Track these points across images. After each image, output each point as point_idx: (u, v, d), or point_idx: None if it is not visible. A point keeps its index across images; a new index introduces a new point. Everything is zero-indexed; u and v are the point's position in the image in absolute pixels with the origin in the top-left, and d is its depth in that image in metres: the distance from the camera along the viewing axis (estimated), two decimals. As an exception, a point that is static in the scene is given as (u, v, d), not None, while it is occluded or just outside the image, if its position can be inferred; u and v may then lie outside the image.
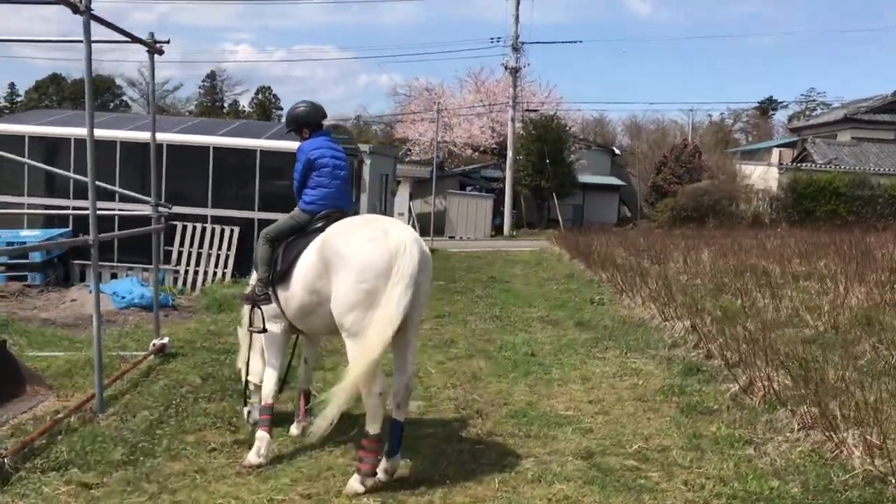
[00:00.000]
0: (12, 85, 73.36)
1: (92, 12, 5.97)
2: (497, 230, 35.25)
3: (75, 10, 5.88)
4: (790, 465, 5.02)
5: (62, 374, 7.27)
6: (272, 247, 5.50)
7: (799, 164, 34.99)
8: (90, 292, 11.57)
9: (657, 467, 5.16)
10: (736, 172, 35.40)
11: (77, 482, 4.81)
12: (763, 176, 34.47)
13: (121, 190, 8.90)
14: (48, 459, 5.12)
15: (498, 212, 35.86)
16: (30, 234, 12.57)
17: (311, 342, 6.03)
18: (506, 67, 35.88)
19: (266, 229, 5.72)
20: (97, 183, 6.66)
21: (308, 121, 5.83)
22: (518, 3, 35.05)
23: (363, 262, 4.69)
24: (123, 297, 10.84)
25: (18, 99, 70.04)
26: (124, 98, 73.18)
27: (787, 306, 10.17)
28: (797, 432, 5.47)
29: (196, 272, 13.33)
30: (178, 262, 13.39)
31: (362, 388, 4.66)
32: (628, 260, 16.56)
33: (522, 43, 35.18)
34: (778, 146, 43.00)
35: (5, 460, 4.85)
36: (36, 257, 12.26)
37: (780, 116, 69.71)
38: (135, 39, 7.37)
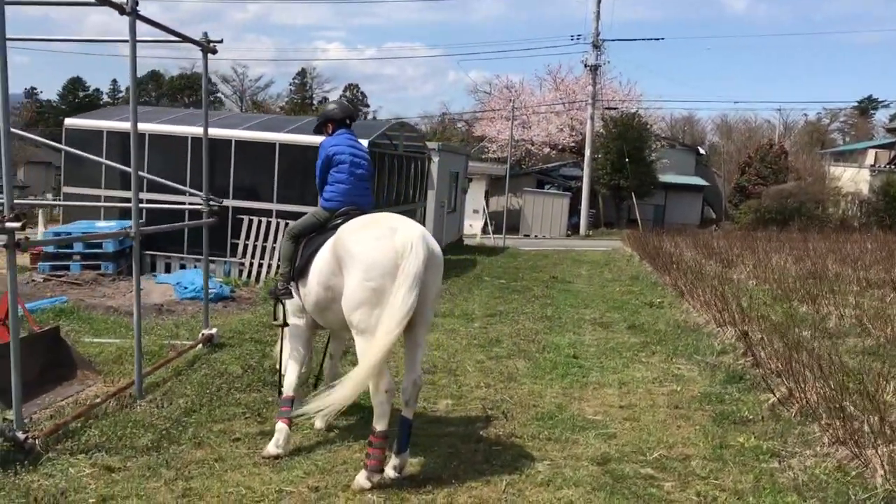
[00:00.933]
0: (114, 81, 76.61)
1: (138, 13, 6.17)
2: (573, 229, 34.92)
3: (122, 11, 6.09)
4: (813, 481, 4.82)
5: (112, 361, 7.56)
6: (295, 243, 5.64)
7: (894, 166, 33.38)
8: (157, 282, 12.07)
9: (673, 477, 5.04)
10: (825, 174, 34.04)
11: (102, 465, 5.00)
12: (854, 178, 33.06)
13: (168, 182, 9.18)
14: (80, 442, 5.34)
15: (575, 211, 35.50)
16: (105, 225, 13.14)
17: (337, 338, 6.11)
18: (585, 65, 35.51)
19: (290, 226, 5.87)
20: (148, 176, 6.93)
21: (332, 117, 5.93)
22: (599, 1, 34.57)
23: (369, 261, 4.74)
24: (186, 288, 11.20)
25: (120, 95, 73.03)
26: (218, 95, 75.61)
27: (853, 315, 9.75)
28: (827, 447, 5.25)
29: (260, 265, 13.66)
30: (244, 255, 13.76)
31: (369, 384, 4.69)
32: (698, 263, 16.17)
33: (603, 40, 34.76)
34: (874, 147, 41.15)
35: (37, 441, 5.09)
36: (109, 247, 12.80)
37: (881, 116, 66.40)
38: (186, 39, 7.61)
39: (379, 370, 4.66)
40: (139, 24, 6.40)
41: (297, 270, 5.46)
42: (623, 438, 5.79)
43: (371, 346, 4.64)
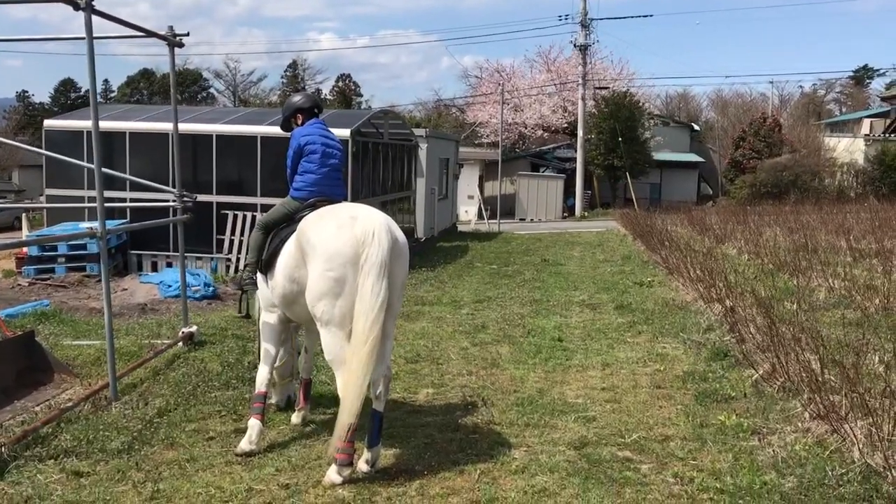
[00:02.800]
0: (106, 81, 76.25)
1: (94, 7, 6.05)
2: (569, 211, 34.78)
3: (76, 7, 5.98)
4: (792, 458, 4.73)
5: (91, 363, 7.49)
6: (265, 234, 5.55)
7: (889, 135, 33.18)
8: (142, 282, 11.98)
9: (651, 458, 4.96)
10: (820, 146, 33.86)
11: (71, 471, 4.91)
12: (848, 148, 32.90)
13: (132, 178, 9.09)
14: (49, 447, 5.26)
15: (570, 192, 35.35)
16: (87, 226, 13.03)
17: (311, 332, 6.01)
18: (574, 45, 35.29)
19: (260, 217, 5.78)
20: (119, 174, 6.85)
21: (301, 107, 5.82)
22: (586, -21, 34.29)
23: (329, 250, 4.64)
24: (170, 286, 11.11)
25: (112, 94, 72.79)
26: (211, 90, 75.38)
27: (841, 286, 9.65)
28: (807, 422, 5.16)
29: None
30: (230, 251, 13.66)
31: (362, 383, 4.55)
32: (689, 239, 16.06)
33: (591, 19, 34.56)
34: (869, 117, 40.94)
35: (3, 448, 5.01)
36: (93, 247, 12.71)
37: (877, 85, 66.00)
38: (150, 34, 7.48)
39: (368, 366, 4.52)
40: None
41: (265, 263, 5.38)
42: (603, 421, 5.71)
43: (353, 346, 4.52)
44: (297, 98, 6.00)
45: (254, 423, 5.29)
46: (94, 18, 6.09)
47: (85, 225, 13.24)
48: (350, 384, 4.52)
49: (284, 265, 5.14)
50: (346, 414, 4.48)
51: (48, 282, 12.27)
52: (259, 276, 5.57)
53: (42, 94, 78.69)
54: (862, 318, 7.99)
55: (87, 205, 13.25)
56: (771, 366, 6.27)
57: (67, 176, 14.00)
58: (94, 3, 6.05)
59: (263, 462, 5.06)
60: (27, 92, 72.15)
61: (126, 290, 11.51)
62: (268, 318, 5.61)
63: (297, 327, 5.96)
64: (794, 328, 6.76)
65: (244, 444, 5.22)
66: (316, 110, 5.91)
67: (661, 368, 7.10)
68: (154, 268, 13.94)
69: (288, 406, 6.11)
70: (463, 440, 5.34)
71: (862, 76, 66.55)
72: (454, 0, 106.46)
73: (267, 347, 5.62)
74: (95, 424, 5.70)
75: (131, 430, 5.61)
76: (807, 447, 4.83)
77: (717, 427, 5.43)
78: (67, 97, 71.31)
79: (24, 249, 12.65)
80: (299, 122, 5.82)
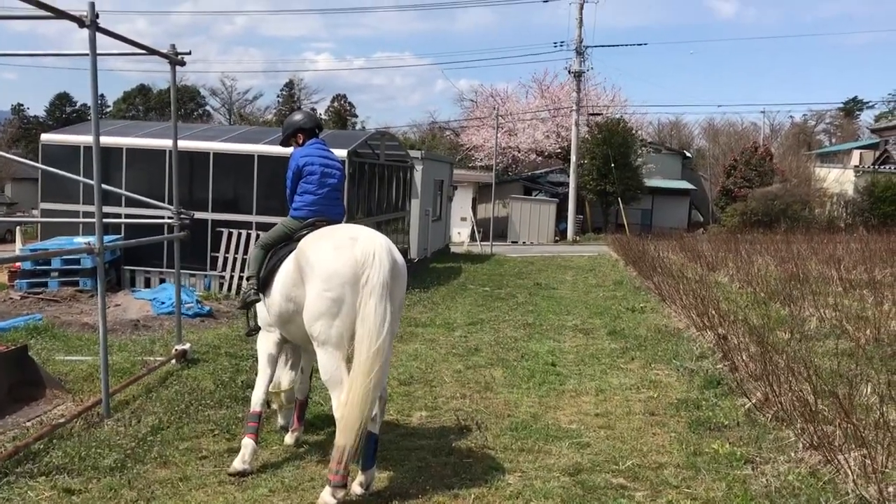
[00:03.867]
0: (102, 96, 76.30)
1: (98, 25, 6.09)
2: (561, 235, 34.89)
3: (81, 24, 6.01)
4: (785, 488, 4.75)
5: (83, 379, 7.45)
6: (265, 252, 5.58)
7: (878, 167, 33.49)
8: (135, 298, 11.94)
9: (645, 486, 4.96)
10: (810, 176, 34.13)
11: (62, 488, 4.88)
12: (839, 179, 33.16)
13: (129, 194, 9.11)
14: (41, 464, 5.23)
15: (562, 216, 35.49)
16: (82, 241, 12.99)
17: (307, 352, 6.01)
18: (569, 71, 35.57)
19: (261, 237, 5.79)
20: (118, 191, 6.84)
21: (302, 127, 5.86)
22: (581, 7, 34.70)
23: (328, 271, 4.66)
24: (164, 303, 11.08)
25: (107, 110, 72.81)
26: (207, 108, 75.52)
27: (833, 316, 9.70)
28: (801, 452, 5.18)
29: (241, 278, 13.54)
30: (224, 268, 13.64)
31: (365, 407, 4.51)
32: (681, 266, 16.13)
33: (586, 47, 34.85)
34: (858, 148, 41.32)
35: (-6, 464, 4.98)
36: (87, 262, 12.66)
37: (866, 117, 66.76)
38: (152, 52, 7.52)
39: (374, 391, 4.52)
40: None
41: (262, 280, 5.40)
42: (597, 447, 5.72)
43: (358, 370, 4.50)
44: (298, 117, 6.03)
45: (247, 443, 5.27)
46: (97, 35, 6.13)
47: (80, 240, 13.20)
48: (354, 407, 4.48)
49: (282, 283, 5.16)
50: (347, 437, 4.46)
51: (41, 296, 12.20)
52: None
53: (37, 107, 78.65)
54: (854, 349, 8.03)
55: (82, 220, 13.21)
56: (764, 395, 6.29)
57: (63, 190, 13.96)
58: (98, 20, 6.09)
59: (257, 482, 5.04)
60: (22, 105, 72.18)
61: (119, 305, 11.46)
62: (265, 337, 5.62)
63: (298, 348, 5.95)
64: (787, 357, 6.80)
65: (237, 464, 5.20)
66: (317, 130, 5.95)
67: (655, 395, 7.12)
68: (147, 284, 13.89)
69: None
70: (457, 464, 5.33)
71: (851, 108, 67.25)
72: (450, 24, 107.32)
73: (263, 367, 5.62)
74: (87, 441, 5.67)
75: (124, 447, 5.58)
76: (800, 477, 4.85)
77: (710, 455, 5.44)
78: (63, 111, 71.35)
79: (17, 263, 12.59)
80: (300, 141, 5.84)
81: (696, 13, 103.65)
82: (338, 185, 5.70)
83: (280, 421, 6.12)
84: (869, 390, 6.27)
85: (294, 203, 5.62)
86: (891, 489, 4.28)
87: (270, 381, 5.66)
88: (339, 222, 5.59)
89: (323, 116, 77.41)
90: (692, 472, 5.15)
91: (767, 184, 33.26)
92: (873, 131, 47.61)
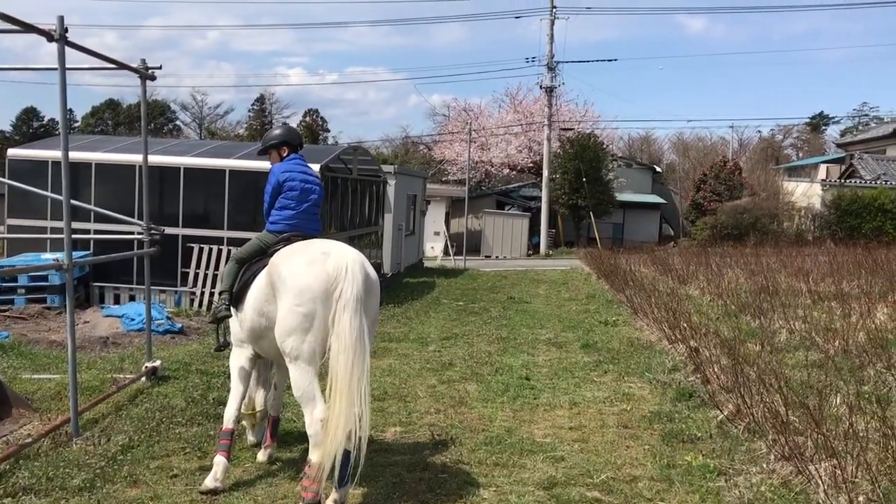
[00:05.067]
0: (70, 111, 75.45)
1: (67, 39, 6.03)
2: (534, 249, 35.02)
3: (50, 38, 5.94)
4: (758, 499, 4.79)
5: (51, 397, 7.32)
6: (239, 266, 5.53)
7: (844, 180, 34.05)
8: (104, 315, 11.78)
9: (620, 499, 4.98)
10: (778, 189, 34.58)
11: (29, 509, 4.79)
12: (806, 193, 33.63)
13: (99, 209, 9.02)
14: (7, 485, 5.12)
15: (535, 230, 35.64)
16: (50, 257, 12.81)
17: (281, 367, 5.97)
18: (541, 86, 35.79)
19: (235, 251, 5.75)
20: (86, 206, 6.74)
21: (289, 141, 5.83)
22: (553, 24, 35.01)
23: (300, 285, 4.64)
24: (133, 320, 10.95)
25: (76, 124, 72.03)
26: (177, 122, 75.02)
27: (802, 328, 9.82)
28: (773, 463, 5.23)
29: (212, 294, 13.41)
30: (195, 284, 13.52)
31: (346, 423, 4.45)
32: (653, 279, 16.25)
33: (557, 62, 35.07)
34: (825, 162, 41.97)
35: (-41, 485, 4.87)
36: (55, 279, 12.49)
37: (832, 132, 68.03)
38: (122, 66, 7.46)
39: (351, 408, 4.47)
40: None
41: (235, 295, 5.35)
42: (571, 461, 5.72)
43: (337, 386, 4.46)
44: (277, 131, 5.99)
45: (219, 460, 5.21)
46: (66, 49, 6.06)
47: (48, 256, 13.03)
48: (333, 424, 4.44)
49: (254, 298, 5.12)
50: (328, 454, 4.41)
51: (7, 313, 12.00)
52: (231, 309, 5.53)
53: (3, 122, 77.60)
54: (823, 360, 8.13)
55: (50, 236, 13.04)
56: (735, 406, 6.35)
57: (29, 206, 13.79)
58: (67, 35, 6.03)
59: (229, 500, 4.99)
60: (-13, 119, 71.14)
61: (88, 322, 11.31)
62: (237, 353, 5.57)
63: (269, 365, 5.91)
64: (758, 369, 6.87)
65: (209, 482, 5.13)
66: (297, 145, 5.92)
67: (628, 408, 7.15)
68: (116, 300, 13.72)
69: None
70: (432, 480, 5.31)
71: (818, 123, 68.47)
72: (424, 39, 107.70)
73: (235, 383, 5.56)
74: (56, 461, 5.56)
75: (93, 467, 5.48)
76: (773, 488, 4.89)
77: (684, 468, 5.47)
78: (30, 126, 70.45)
79: (-18, 279, 12.38)
80: (284, 154, 5.81)
81: (667, 29, 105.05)
82: (318, 200, 5.69)
83: (250, 438, 6.06)
84: (838, 401, 6.34)
85: (271, 217, 5.60)
86: (861, 499, 4.33)
87: (243, 397, 5.60)
88: (314, 238, 5.56)
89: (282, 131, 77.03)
90: (666, 485, 5.18)
91: (737, 197, 33.65)
92: (839, 146, 48.49)
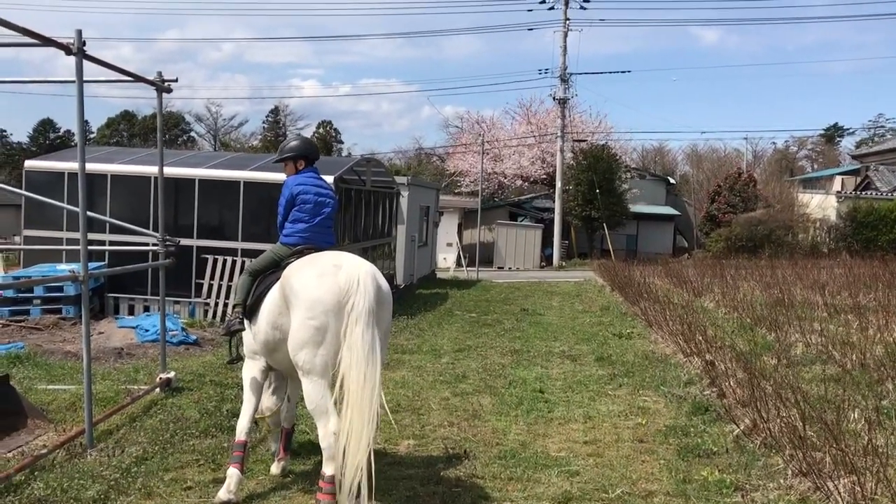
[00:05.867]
0: (86, 122, 75.84)
1: (85, 52, 6.07)
2: (547, 261, 34.94)
3: (68, 51, 6.00)
4: (776, 516, 4.73)
5: (66, 408, 7.35)
6: (252, 278, 5.54)
7: (860, 192, 33.85)
8: (119, 326, 11.83)
9: (635, 515, 4.93)
10: (793, 201, 34.41)
11: (44, 520, 4.80)
12: (821, 205, 33.45)
13: (114, 221, 9.07)
14: (22, 496, 5.13)
15: (548, 242, 35.58)
16: (66, 268, 12.88)
17: (294, 380, 5.96)
18: (554, 98, 35.81)
19: (249, 264, 5.76)
20: (103, 218, 6.75)
21: (306, 154, 5.82)
22: (566, 36, 35.05)
23: (311, 298, 4.64)
24: (147, 331, 10.98)
25: (91, 136, 72.59)
26: (192, 134, 75.52)
27: (819, 342, 9.73)
28: (790, 479, 5.17)
29: (226, 305, 13.45)
30: (209, 295, 13.56)
31: (365, 436, 4.42)
32: (667, 291, 16.18)
33: (570, 74, 35.10)
34: (840, 174, 41.79)
35: (-26, 497, 4.88)
36: (70, 290, 12.56)
37: (847, 143, 67.64)
38: (139, 79, 7.51)
39: (369, 419, 4.45)
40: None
41: (249, 308, 5.36)
42: (586, 475, 5.68)
43: (352, 400, 4.44)
44: (294, 143, 5.95)
45: (232, 473, 5.20)
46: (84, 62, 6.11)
47: (63, 267, 13.10)
48: (349, 439, 4.42)
49: (268, 311, 5.13)
50: (349, 470, 4.36)
51: (23, 324, 12.07)
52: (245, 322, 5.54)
53: (21, 133, 78.32)
54: (841, 374, 8.05)
55: (66, 247, 13.11)
56: (752, 421, 6.29)
57: (46, 217, 13.90)
58: (85, 48, 6.08)
59: (243, 514, 4.98)
60: (5, 131, 71.95)
61: (102, 333, 11.36)
62: (250, 365, 5.57)
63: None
64: (775, 383, 6.81)
65: (222, 494, 5.13)
66: (314, 157, 5.90)
67: (643, 422, 7.10)
68: (131, 311, 13.78)
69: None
70: (445, 494, 5.28)
71: (833, 134, 68.12)
72: (436, 51, 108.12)
73: (248, 395, 5.56)
74: (70, 472, 5.57)
75: (107, 478, 5.48)
76: (790, 504, 4.84)
77: (700, 483, 5.42)
78: (46, 137, 71.06)
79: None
80: (300, 167, 5.80)
81: (680, 40, 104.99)
82: (331, 213, 5.68)
83: (272, 446, 6.04)
84: (857, 416, 6.27)
85: (285, 230, 5.61)
86: (881, 516, 4.27)
87: (256, 409, 5.60)
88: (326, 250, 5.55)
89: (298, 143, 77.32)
90: (682, 500, 5.13)
91: (751, 209, 33.52)
92: (854, 157, 48.20)
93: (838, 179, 39.31)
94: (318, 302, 4.61)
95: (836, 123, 67.89)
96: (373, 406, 4.47)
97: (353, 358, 4.51)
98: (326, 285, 4.63)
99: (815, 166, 65.34)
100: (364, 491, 4.42)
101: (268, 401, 5.94)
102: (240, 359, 5.76)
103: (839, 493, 4.56)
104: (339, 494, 4.41)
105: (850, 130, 67.97)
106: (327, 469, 4.58)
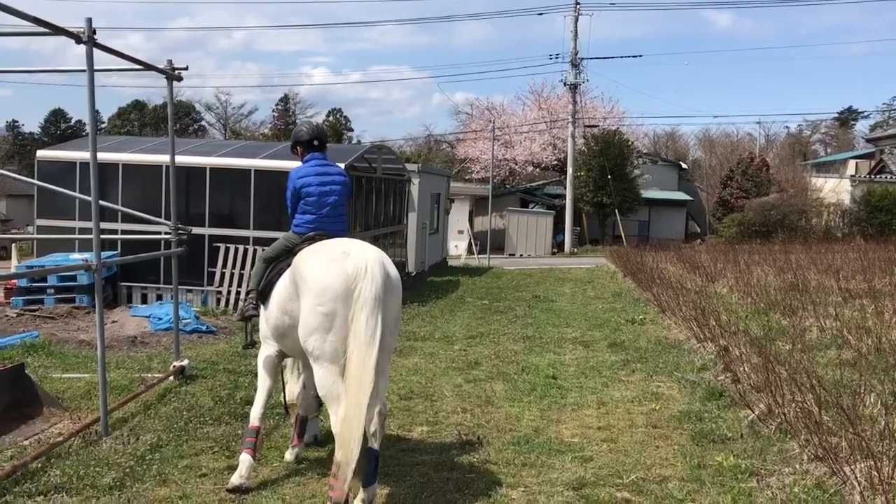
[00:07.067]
0: (97, 112, 75.90)
1: (95, 41, 6.06)
2: (558, 247, 34.89)
3: (78, 40, 5.99)
4: (791, 500, 4.70)
5: (80, 396, 7.38)
6: (266, 265, 5.57)
7: (874, 176, 33.57)
8: (132, 315, 11.88)
9: (650, 500, 4.92)
10: (806, 186, 34.17)
11: (60, 507, 4.83)
12: (835, 189, 33.21)
13: (126, 210, 9.08)
14: (39, 483, 5.16)
15: (559, 229, 35.51)
16: (79, 257, 12.94)
17: (307, 367, 5.96)
18: (565, 84, 35.67)
19: (263, 251, 5.78)
20: (114, 206, 6.78)
21: (298, 139, 5.81)
22: (576, 20, 34.86)
23: (320, 285, 4.63)
24: (160, 319, 11.02)
25: (102, 126, 72.80)
26: (203, 123, 75.63)
27: (833, 326, 9.66)
28: (806, 464, 5.14)
29: (238, 293, 13.48)
30: (221, 284, 13.59)
31: (359, 422, 4.44)
32: (680, 277, 16.11)
33: (581, 59, 34.96)
34: (854, 157, 41.42)
35: (-9, 484, 4.91)
36: (84, 279, 12.61)
37: (861, 127, 66.86)
38: (149, 67, 7.50)
39: (364, 405, 4.45)
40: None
41: (261, 293, 5.39)
42: (600, 461, 5.67)
43: (351, 384, 4.45)
44: (299, 129, 5.97)
45: (244, 458, 5.22)
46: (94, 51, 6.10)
47: (76, 256, 13.16)
48: (349, 422, 4.43)
49: (279, 297, 5.16)
50: (345, 452, 4.40)
51: (37, 313, 12.14)
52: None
53: (32, 124, 78.68)
54: (856, 359, 7.99)
55: (78, 236, 13.17)
56: (767, 406, 6.26)
57: (59, 206, 13.96)
58: (95, 36, 6.07)
59: (257, 500, 4.99)
60: (17, 122, 72.23)
61: (116, 322, 11.40)
62: (264, 350, 5.59)
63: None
64: (790, 368, 6.76)
65: (234, 479, 5.16)
66: (316, 143, 5.84)
67: (657, 408, 7.07)
68: (144, 300, 13.84)
69: (315, 443, 6.05)
70: (459, 480, 5.28)
71: (846, 118, 67.40)
72: (447, 37, 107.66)
73: (262, 380, 5.58)
74: (86, 460, 5.60)
75: (122, 466, 5.51)
76: (806, 489, 4.80)
77: (714, 468, 5.39)
78: (58, 127, 71.37)
79: (13, 280, 12.55)
80: (299, 153, 5.81)
81: (692, 24, 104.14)
82: (339, 200, 5.61)
83: (306, 434, 6.04)
84: (873, 400, 6.22)
85: (295, 220, 5.61)
86: (899, 501, 4.23)
87: (270, 395, 5.62)
88: (338, 237, 5.53)
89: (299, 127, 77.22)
90: (697, 486, 5.11)
91: (764, 194, 33.34)
92: (868, 141, 47.75)
93: (852, 163, 38.95)
94: (328, 288, 4.61)
95: (851, 107, 67.11)
96: (367, 393, 4.43)
97: (357, 344, 4.50)
98: (335, 272, 4.63)
99: (829, 150, 64.78)
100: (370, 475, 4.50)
101: (296, 387, 5.95)
102: (255, 344, 5.79)
103: (856, 477, 4.53)
104: (337, 479, 4.40)
105: (865, 114, 67.18)
106: (339, 454, 4.57)
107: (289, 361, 5.95)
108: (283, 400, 6.11)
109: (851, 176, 34.29)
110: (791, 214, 31.13)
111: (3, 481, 5.06)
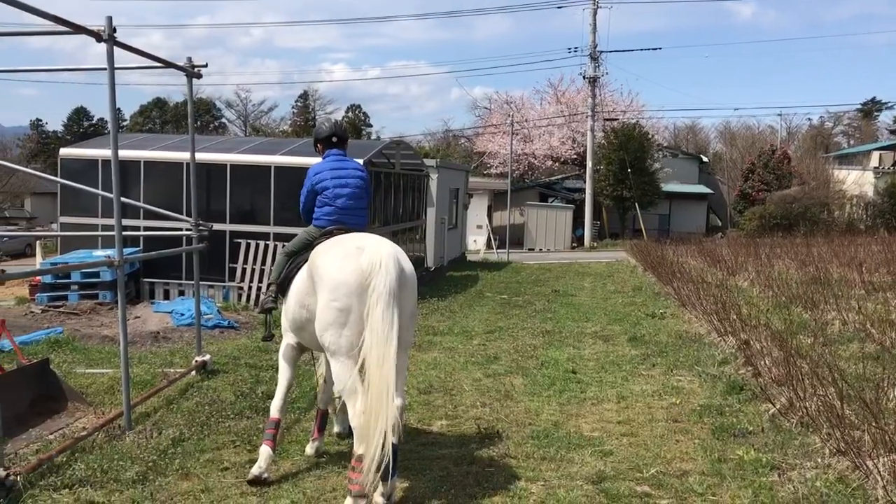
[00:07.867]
0: (119, 110, 76.52)
1: (115, 39, 6.12)
2: (578, 241, 34.79)
3: (98, 38, 6.05)
4: (813, 495, 4.67)
5: (104, 391, 7.48)
6: (287, 258, 5.64)
7: (898, 168, 33.21)
8: (155, 310, 11.99)
9: (670, 494, 4.90)
10: (828, 178, 33.85)
11: (85, 500, 4.88)
12: (858, 181, 32.88)
13: (148, 206, 9.17)
14: (64, 477, 5.23)
15: (579, 223, 35.40)
16: (102, 254, 13.07)
17: (326, 361, 6.01)
18: (584, 77, 35.52)
19: (286, 245, 5.83)
20: (137, 203, 6.83)
21: (317, 136, 5.87)
22: (595, 13, 34.70)
23: (335, 280, 4.66)
24: (183, 315, 11.12)
25: (124, 123, 73.36)
26: (223, 120, 76.07)
27: (856, 320, 9.58)
28: (828, 458, 5.11)
29: (259, 289, 13.57)
30: (242, 279, 13.69)
31: (383, 415, 4.43)
32: (701, 271, 16.02)
33: (600, 52, 34.81)
34: (878, 149, 40.96)
35: (19, 478, 4.98)
36: (106, 275, 12.75)
37: (885, 118, 65.95)
38: (169, 65, 7.56)
39: (387, 399, 4.47)
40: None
41: (280, 285, 5.45)
42: (620, 455, 5.66)
43: (370, 380, 4.47)
44: (319, 126, 6.02)
45: (264, 450, 5.27)
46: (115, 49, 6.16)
47: (99, 253, 13.30)
48: (370, 417, 4.45)
49: (296, 291, 5.23)
50: (367, 447, 4.42)
51: (61, 309, 12.28)
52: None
53: (55, 122, 79.55)
54: (879, 352, 7.92)
55: (101, 233, 13.30)
56: (788, 400, 6.22)
57: (81, 204, 14.11)
58: (115, 35, 6.13)
59: (279, 493, 5.03)
60: (41, 120, 72.94)
61: (139, 318, 11.51)
62: (285, 342, 5.65)
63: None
64: (811, 362, 6.72)
65: (254, 470, 5.21)
66: (335, 139, 5.87)
67: (677, 402, 7.05)
68: (166, 296, 13.97)
69: (350, 435, 6.07)
70: (479, 473, 5.30)
71: (870, 109, 66.53)
72: (465, 32, 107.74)
73: (282, 372, 5.63)
74: (110, 454, 5.67)
75: (145, 460, 5.58)
76: (828, 484, 4.77)
77: (735, 462, 5.37)
78: (80, 125, 71.99)
79: (38, 276, 12.71)
80: (319, 150, 5.86)
81: (713, 16, 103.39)
82: (358, 193, 5.61)
83: (336, 427, 6.11)
84: (894, 394, 6.17)
85: (315, 213, 5.64)
86: (922, 495, 4.20)
87: (289, 387, 5.67)
88: (358, 231, 5.55)
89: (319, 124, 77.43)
90: (717, 480, 5.09)
91: (786, 187, 33.06)
92: (892, 132, 47.21)
93: (875, 155, 38.52)
94: (342, 284, 4.64)
95: (874, 98, 66.19)
96: (391, 386, 4.46)
97: (374, 338, 4.52)
98: (349, 267, 4.66)
99: (852, 142, 64.07)
100: (389, 469, 4.45)
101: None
102: (273, 336, 5.86)
103: (879, 472, 4.50)
104: (364, 474, 4.42)
105: (889, 104, 66.10)
106: (358, 448, 4.61)
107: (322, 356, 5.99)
108: (315, 394, 6.18)
109: (875, 167, 33.95)
110: (813, 207, 30.87)
111: (30, 474, 5.13)
